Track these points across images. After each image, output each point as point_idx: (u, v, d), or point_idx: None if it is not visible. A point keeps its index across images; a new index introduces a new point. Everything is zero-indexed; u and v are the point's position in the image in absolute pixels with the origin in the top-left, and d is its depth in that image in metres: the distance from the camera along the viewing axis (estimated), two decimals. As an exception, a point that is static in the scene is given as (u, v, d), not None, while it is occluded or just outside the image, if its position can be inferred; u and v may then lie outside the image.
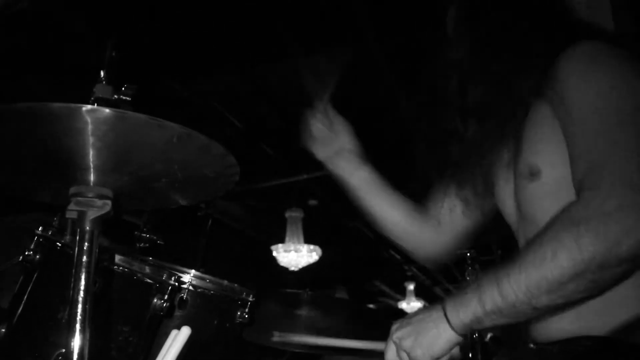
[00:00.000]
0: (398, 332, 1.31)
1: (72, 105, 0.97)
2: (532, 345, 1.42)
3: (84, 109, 0.98)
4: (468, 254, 2.78)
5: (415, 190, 1.83)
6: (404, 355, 1.29)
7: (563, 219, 1.15)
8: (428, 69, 1.70)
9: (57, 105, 0.97)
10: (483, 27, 1.53)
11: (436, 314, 1.26)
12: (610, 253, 1.07)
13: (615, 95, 1.24)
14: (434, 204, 1.77)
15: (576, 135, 1.26)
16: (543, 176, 1.35)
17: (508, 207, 1.53)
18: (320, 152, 1.85)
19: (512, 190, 1.47)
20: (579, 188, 1.20)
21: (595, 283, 1.12)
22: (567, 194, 1.20)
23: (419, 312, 1.33)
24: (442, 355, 1.26)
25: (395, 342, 1.31)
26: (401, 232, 1.83)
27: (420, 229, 1.79)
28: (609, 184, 1.13)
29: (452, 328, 1.23)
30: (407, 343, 1.28)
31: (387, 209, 1.81)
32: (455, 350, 1.28)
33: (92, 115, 0.99)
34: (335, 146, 1.83)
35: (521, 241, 1.47)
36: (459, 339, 1.24)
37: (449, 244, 1.79)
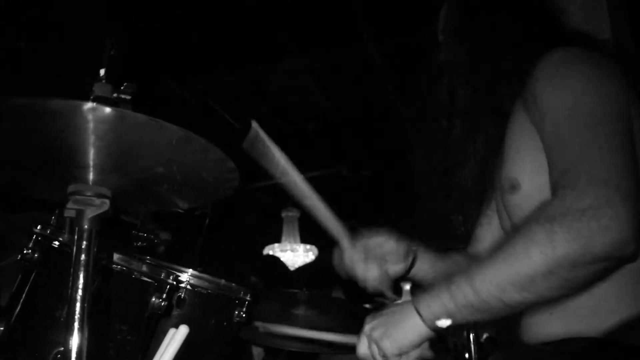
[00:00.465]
0: (370, 325, 1.30)
1: (73, 102, 0.97)
2: (526, 346, 1.43)
3: (85, 106, 0.98)
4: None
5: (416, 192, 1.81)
6: (375, 348, 1.28)
7: (537, 216, 1.14)
8: (422, 71, 1.71)
9: (58, 102, 0.97)
10: (470, 31, 1.54)
11: (408, 307, 1.25)
12: (583, 251, 1.07)
13: (587, 99, 1.24)
14: (481, 232, 1.74)
15: (551, 138, 1.26)
16: (523, 188, 1.36)
17: (503, 219, 1.53)
18: (389, 285, 1.68)
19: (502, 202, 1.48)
20: (555, 187, 1.19)
21: (568, 281, 1.11)
22: None
23: (394, 307, 1.32)
24: (411, 349, 1.26)
25: (366, 334, 1.30)
26: None
27: None
28: (584, 182, 1.12)
29: (423, 321, 1.22)
30: (376, 334, 1.27)
31: None
32: (425, 350, 1.27)
33: (94, 113, 0.99)
34: (396, 267, 1.66)
35: None
36: (430, 333, 1.23)
37: None
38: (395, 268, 1.66)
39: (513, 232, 1.17)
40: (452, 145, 1.57)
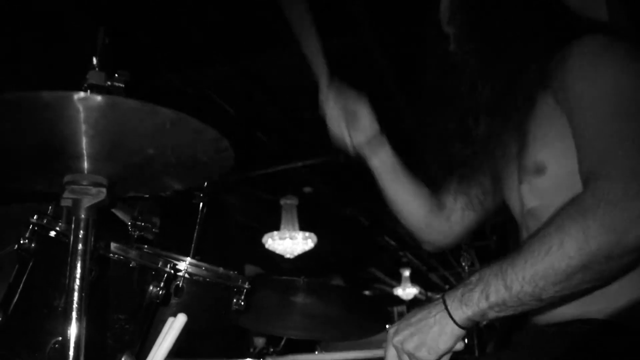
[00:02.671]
0: (398, 336, 1.25)
1: (63, 93, 0.96)
2: (530, 328, 1.43)
3: (75, 96, 0.97)
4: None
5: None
6: (406, 358, 1.25)
7: (569, 209, 1.12)
8: (430, 65, 1.69)
9: (47, 93, 0.96)
10: (484, 20, 1.52)
11: (437, 310, 1.22)
12: (618, 243, 1.05)
13: (621, 87, 1.23)
14: (446, 198, 1.77)
15: (582, 126, 1.25)
16: (548, 172, 1.35)
17: (513, 200, 1.53)
18: (348, 140, 1.78)
19: (517, 185, 1.47)
20: (586, 178, 1.18)
21: (602, 274, 1.11)
22: (572, 189, 1.18)
23: (416, 311, 1.28)
24: (448, 351, 1.23)
25: (396, 347, 1.26)
26: (415, 221, 1.82)
27: (432, 220, 1.79)
28: (616, 174, 1.11)
29: (456, 323, 1.19)
30: (410, 345, 1.23)
31: (405, 197, 1.80)
32: (459, 345, 1.25)
33: (84, 102, 0.98)
34: (361, 131, 1.76)
35: (524, 234, 1.47)
36: (463, 332, 1.21)
37: (456, 236, 1.80)
38: (356, 132, 1.76)
39: (545, 226, 1.14)
40: (476, 139, 1.56)
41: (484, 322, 1.22)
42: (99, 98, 1.00)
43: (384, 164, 1.78)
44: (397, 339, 1.25)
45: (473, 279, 1.21)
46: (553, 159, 1.35)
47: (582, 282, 1.11)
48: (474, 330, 2.70)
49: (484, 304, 1.16)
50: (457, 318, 1.19)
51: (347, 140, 1.77)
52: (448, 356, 1.25)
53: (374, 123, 1.76)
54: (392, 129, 1.80)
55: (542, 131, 1.38)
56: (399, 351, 1.26)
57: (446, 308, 1.21)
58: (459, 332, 1.20)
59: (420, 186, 1.80)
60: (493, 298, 1.15)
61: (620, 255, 1.07)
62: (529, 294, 1.12)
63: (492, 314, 1.18)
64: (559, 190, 1.21)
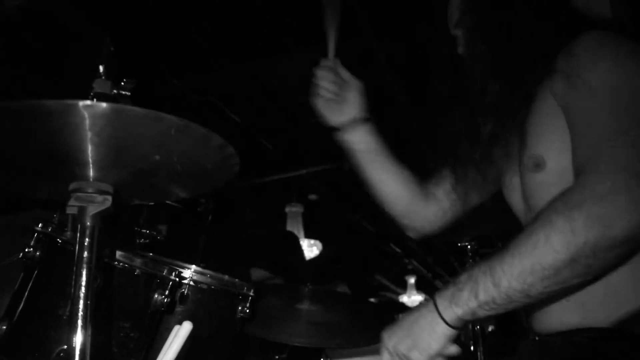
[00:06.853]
0: (392, 340, 1.27)
1: (68, 101, 0.97)
2: (535, 337, 1.42)
3: (80, 104, 0.97)
4: (469, 247, 2.79)
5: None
6: None
7: (556, 203, 1.13)
8: (438, 67, 1.71)
9: (52, 102, 0.97)
10: (492, 22, 1.52)
11: (428, 311, 1.23)
12: (604, 236, 1.06)
13: (617, 82, 1.23)
14: (436, 188, 1.80)
15: (576, 120, 1.25)
16: (547, 167, 1.35)
17: (515, 200, 1.53)
18: (332, 118, 1.85)
19: (519, 183, 1.47)
20: (577, 172, 1.19)
21: (590, 267, 1.10)
22: (572, 184, 1.18)
23: (409, 314, 1.29)
24: (440, 352, 1.23)
25: (389, 350, 1.28)
26: (398, 206, 1.85)
27: (416, 207, 1.82)
28: (605, 167, 1.11)
29: (447, 323, 1.20)
30: (402, 347, 1.24)
31: (389, 182, 1.83)
32: (454, 349, 1.26)
33: (89, 110, 0.99)
34: (346, 112, 1.82)
35: None
36: (455, 332, 1.22)
37: (440, 225, 1.84)
38: (343, 110, 1.82)
39: (532, 221, 1.15)
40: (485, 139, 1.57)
41: (484, 323, 1.23)
42: (103, 105, 1.00)
43: (367, 148, 1.82)
44: (391, 343, 1.27)
45: (462, 278, 1.21)
46: (551, 152, 1.35)
47: (570, 276, 1.11)
48: (479, 336, 2.69)
49: (473, 303, 1.17)
50: (447, 318, 1.20)
51: (328, 115, 1.84)
52: (441, 358, 1.25)
53: (361, 108, 1.82)
54: (393, 129, 1.82)
55: (540, 126, 1.39)
56: (392, 354, 1.27)
57: (436, 308, 1.21)
58: (450, 332, 1.21)
59: (406, 172, 1.83)
60: (482, 296, 1.15)
61: (608, 249, 1.07)
62: (518, 290, 1.12)
63: (482, 312, 1.18)
64: (559, 185, 1.19)
